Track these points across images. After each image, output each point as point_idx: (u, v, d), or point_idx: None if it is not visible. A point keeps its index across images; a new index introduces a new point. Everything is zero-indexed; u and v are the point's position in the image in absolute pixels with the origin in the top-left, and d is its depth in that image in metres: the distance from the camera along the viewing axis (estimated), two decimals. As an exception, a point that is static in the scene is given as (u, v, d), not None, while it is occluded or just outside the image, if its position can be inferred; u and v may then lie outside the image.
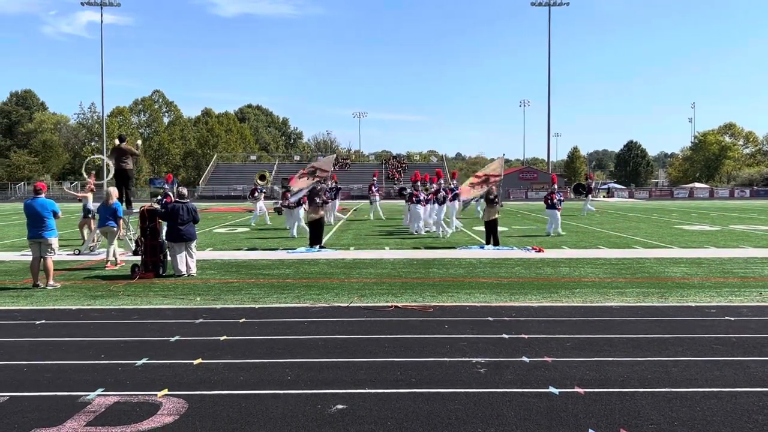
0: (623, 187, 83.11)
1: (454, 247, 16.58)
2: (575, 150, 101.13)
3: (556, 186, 21.64)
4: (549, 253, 15.17)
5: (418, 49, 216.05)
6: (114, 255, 13.30)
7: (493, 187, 17.46)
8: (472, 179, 20.85)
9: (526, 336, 7.11)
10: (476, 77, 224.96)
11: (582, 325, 7.66)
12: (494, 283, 10.90)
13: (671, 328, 7.53)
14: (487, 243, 16.66)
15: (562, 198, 21.21)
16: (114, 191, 13.65)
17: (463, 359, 6.20)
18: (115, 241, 13.45)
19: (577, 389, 5.31)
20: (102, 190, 13.97)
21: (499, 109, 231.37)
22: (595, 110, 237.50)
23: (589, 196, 35.74)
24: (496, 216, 17.14)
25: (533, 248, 15.91)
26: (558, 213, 20.45)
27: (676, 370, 5.86)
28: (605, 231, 22.19)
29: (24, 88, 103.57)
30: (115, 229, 13.33)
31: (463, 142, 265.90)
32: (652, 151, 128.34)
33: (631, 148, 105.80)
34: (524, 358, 6.22)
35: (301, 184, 19.04)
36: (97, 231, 14.59)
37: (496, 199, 17.19)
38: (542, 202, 22.70)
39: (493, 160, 21.40)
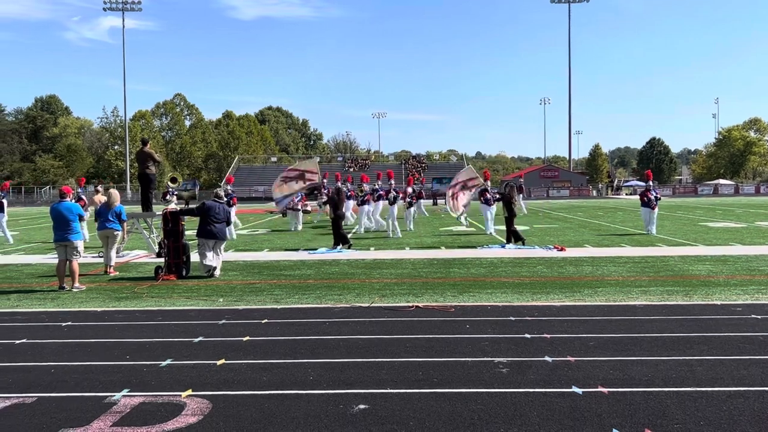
0: (645, 184, 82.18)
1: (474, 247, 16.53)
2: (597, 147, 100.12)
3: (651, 183, 20.49)
4: (571, 252, 15.06)
5: (437, 48, 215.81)
6: (112, 260, 12.94)
7: (513, 186, 17.41)
8: (452, 190, 21.07)
9: (549, 336, 7.07)
10: (496, 75, 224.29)
11: (605, 325, 7.59)
12: (516, 282, 10.85)
13: (696, 326, 7.43)
14: (508, 242, 16.58)
15: (658, 195, 20.17)
16: (116, 194, 13.24)
17: (485, 359, 6.18)
18: (115, 246, 13.14)
19: (600, 389, 5.27)
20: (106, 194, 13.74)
21: (520, 107, 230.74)
22: (617, 107, 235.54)
23: (521, 195, 35.19)
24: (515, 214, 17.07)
25: (555, 247, 15.80)
26: (654, 212, 19.58)
27: (701, 369, 5.79)
28: (629, 229, 21.97)
29: (48, 94, 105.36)
30: (117, 232, 12.99)
31: (482, 141, 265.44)
32: (675, 148, 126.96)
33: (654, 144, 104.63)
34: (547, 358, 6.18)
35: (286, 190, 19.18)
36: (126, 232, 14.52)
37: (513, 200, 17.12)
38: (637, 199, 22.17)
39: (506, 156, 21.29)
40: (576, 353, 6.34)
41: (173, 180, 17.25)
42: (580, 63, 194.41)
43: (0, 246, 18.75)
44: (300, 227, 23.23)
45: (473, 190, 20.52)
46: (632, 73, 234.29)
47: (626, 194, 77.75)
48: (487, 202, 20.04)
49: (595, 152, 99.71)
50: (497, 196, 19.02)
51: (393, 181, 21.52)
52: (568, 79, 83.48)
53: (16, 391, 5.45)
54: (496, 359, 6.16)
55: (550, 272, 11.95)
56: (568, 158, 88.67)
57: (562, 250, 15.39)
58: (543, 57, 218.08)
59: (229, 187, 22.19)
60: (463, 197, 20.83)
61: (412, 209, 22.77)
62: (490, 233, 19.83)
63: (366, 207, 22.10)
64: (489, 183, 19.57)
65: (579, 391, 5.23)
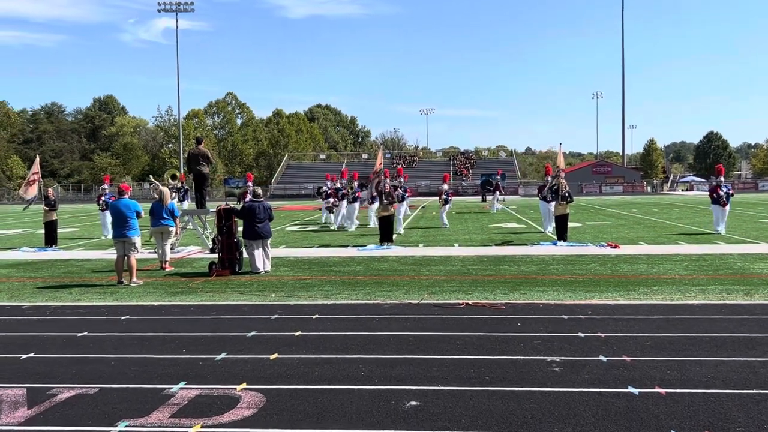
0: (703, 180, 79.72)
1: (525, 244, 16.34)
2: (652, 142, 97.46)
3: (722, 178, 19.15)
4: (625, 249, 14.73)
5: (485, 43, 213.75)
6: (167, 255, 13.26)
7: (563, 182, 16.97)
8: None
9: (603, 335, 6.94)
10: (546, 69, 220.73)
11: (662, 324, 7.41)
12: (568, 280, 10.68)
13: (758, 327, 7.18)
14: (559, 239, 16.33)
15: (730, 191, 18.90)
16: (167, 191, 13.58)
17: (538, 358, 6.11)
18: (169, 242, 13.42)
19: (657, 389, 5.15)
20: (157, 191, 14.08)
21: (571, 101, 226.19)
22: (673, 101, 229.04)
23: (497, 192, 34.25)
24: (567, 211, 16.79)
25: (609, 244, 15.49)
26: (725, 209, 18.44)
27: (764, 371, 5.59)
28: (685, 226, 21.36)
29: (106, 94, 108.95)
30: (171, 228, 13.31)
31: (533, 137, 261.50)
32: (734, 142, 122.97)
33: (712, 139, 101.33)
34: (601, 357, 6.07)
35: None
36: (180, 229, 14.84)
37: (568, 194, 16.75)
38: (707, 196, 20.69)
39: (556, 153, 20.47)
40: (632, 353, 6.20)
41: (173, 177, 17.60)
42: (633, 55, 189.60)
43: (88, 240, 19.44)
44: (337, 226, 22.69)
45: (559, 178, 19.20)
46: (688, 64, 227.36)
47: (682, 190, 75.58)
48: (545, 199, 19.50)
49: (650, 147, 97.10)
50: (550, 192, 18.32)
51: (402, 179, 21.49)
52: (621, 72, 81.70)
53: (80, 382, 5.65)
54: (549, 358, 6.08)
55: (604, 270, 11.72)
56: (621, 153, 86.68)
57: (615, 247, 15.07)
58: (595, 50, 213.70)
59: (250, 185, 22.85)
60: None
61: (447, 206, 22.72)
62: (548, 231, 19.23)
63: (356, 205, 22.76)
64: (549, 178, 18.92)
65: (635, 391, 5.12)
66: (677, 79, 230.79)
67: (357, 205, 22.60)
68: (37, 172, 19.74)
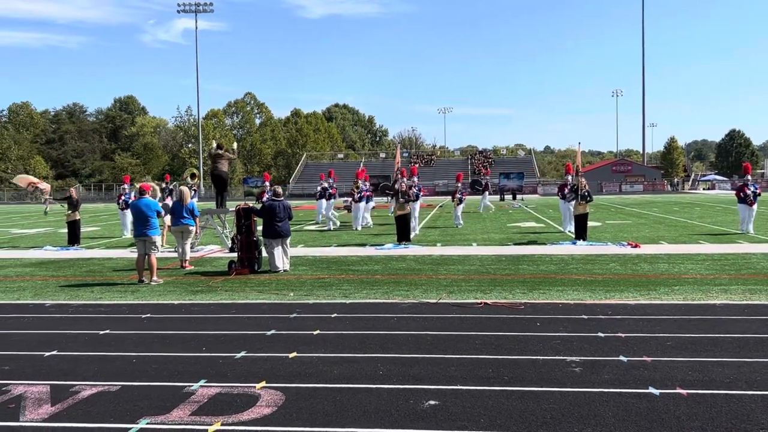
0: (725, 178, 78.70)
1: (544, 243, 16.26)
2: (672, 140, 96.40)
3: (749, 177, 18.69)
4: (646, 249, 14.59)
5: (504, 41, 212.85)
6: (187, 254, 13.34)
7: (582, 180, 16.84)
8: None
9: (623, 335, 6.88)
10: (565, 67, 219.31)
11: (683, 324, 7.33)
12: (588, 279, 10.61)
13: (782, 327, 7.08)
14: (578, 238, 16.22)
15: (758, 191, 18.38)
16: (187, 191, 13.63)
17: (557, 358, 6.08)
18: (189, 241, 13.48)
19: (679, 390, 5.10)
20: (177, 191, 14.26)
21: (590, 99, 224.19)
22: (694, 98, 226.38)
23: (486, 192, 33.86)
24: (587, 211, 16.67)
25: (629, 243, 15.36)
26: (753, 208, 17.97)
27: (788, 372, 5.51)
28: (707, 225, 21.11)
29: (126, 94, 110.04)
30: (191, 227, 13.38)
31: (552, 135, 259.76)
32: (756, 140, 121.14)
33: (734, 137, 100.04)
34: (621, 358, 6.02)
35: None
36: (200, 227, 14.95)
37: (588, 194, 16.62)
38: (733, 195, 19.80)
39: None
40: (652, 353, 6.15)
41: (193, 176, 17.79)
42: (654, 52, 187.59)
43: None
44: (360, 226, 22.50)
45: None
46: (709, 62, 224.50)
47: (703, 189, 74.67)
48: (565, 198, 19.27)
49: (671, 145, 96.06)
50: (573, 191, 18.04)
51: (416, 178, 21.29)
52: (641, 70, 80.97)
53: (102, 379, 5.72)
54: (569, 358, 6.05)
55: (624, 269, 11.62)
56: (641, 152, 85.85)
57: (636, 246, 14.93)
58: (615, 48, 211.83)
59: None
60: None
61: (461, 206, 22.71)
62: (567, 231, 19.01)
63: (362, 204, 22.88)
64: (570, 177, 18.70)
65: (656, 392, 5.08)
66: (698, 77, 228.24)
67: (363, 204, 22.61)
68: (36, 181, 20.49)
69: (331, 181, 24.47)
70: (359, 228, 21.98)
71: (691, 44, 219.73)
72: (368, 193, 23.38)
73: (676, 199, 45.27)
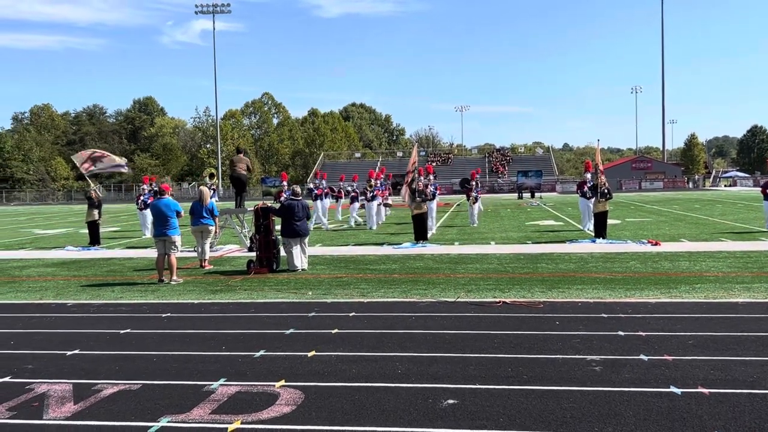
0: (747, 175, 77.68)
1: (563, 241, 16.16)
2: (693, 137, 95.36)
3: None
4: (666, 247, 14.45)
5: (520, 39, 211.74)
6: (206, 254, 13.38)
7: (602, 178, 16.67)
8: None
9: (644, 333, 6.82)
10: (583, 64, 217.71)
11: (705, 323, 7.25)
12: (607, 278, 10.52)
13: (807, 326, 6.97)
14: (597, 236, 16.09)
15: None
16: (207, 191, 13.68)
17: (577, 357, 6.04)
18: (208, 240, 13.54)
19: (701, 389, 5.04)
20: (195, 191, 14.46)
21: (609, 96, 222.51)
22: (714, 93, 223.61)
23: (473, 192, 33.44)
24: (607, 208, 16.53)
25: (649, 241, 15.21)
26: None
27: (813, 371, 5.42)
28: (729, 222, 20.85)
29: (145, 95, 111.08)
30: (211, 227, 13.43)
31: (570, 132, 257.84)
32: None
33: (756, 133, 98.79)
34: (642, 357, 5.97)
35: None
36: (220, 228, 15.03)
37: (607, 191, 16.48)
38: (694, 191, 20.13)
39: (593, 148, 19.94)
40: (673, 352, 6.08)
41: (211, 176, 17.94)
42: (673, 48, 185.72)
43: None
44: (375, 225, 22.60)
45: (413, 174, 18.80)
46: (730, 57, 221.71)
47: (725, 186, 73.77)
48: (585, 195, 18.99)
49: (691, 142, 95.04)
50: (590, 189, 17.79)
51: (432, 176, 21.20)
52: (661, 66, 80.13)
53: (123, 378, 5.78)
54: (589, 357, 6.01)
55: (644, 268, 11.51)
56: (661, 149, 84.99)
57: (656, 244, 14.79)
58: (634, 44, 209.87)
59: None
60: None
61: (477, 204, 22.66)
62: (587, 229, 18.72)
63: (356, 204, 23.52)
64: (589, 175, 18.47)
65: (677, 391, 5.02)
66: (719, 72, 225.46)
67: (376, 203, 22.63)
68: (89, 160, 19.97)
69: (317, 182, 24.45)
70: (374, 227, 21.99)
71: (712, 39, 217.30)
72: (380, 192, 23.36)
73: (697, 196, 44.76)
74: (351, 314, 8.20)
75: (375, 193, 22.55)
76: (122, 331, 7.65)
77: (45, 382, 5.71)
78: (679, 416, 4.52)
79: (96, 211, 18.35)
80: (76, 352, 6.77)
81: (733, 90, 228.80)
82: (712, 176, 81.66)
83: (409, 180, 17.52)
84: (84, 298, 10.12)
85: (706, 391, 5.01)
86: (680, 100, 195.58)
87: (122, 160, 20.40)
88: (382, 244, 16.83)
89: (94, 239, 18.17)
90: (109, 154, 20.81)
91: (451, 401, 4.94)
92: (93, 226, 18.25)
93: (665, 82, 78.64)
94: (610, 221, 17.96)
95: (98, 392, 5.39)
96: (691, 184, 73.58)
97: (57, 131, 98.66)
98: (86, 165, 19.44)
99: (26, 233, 25.22)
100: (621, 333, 6.85)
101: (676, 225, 20.43)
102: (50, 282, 11.89)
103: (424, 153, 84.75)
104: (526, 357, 6.08)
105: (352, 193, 25.05)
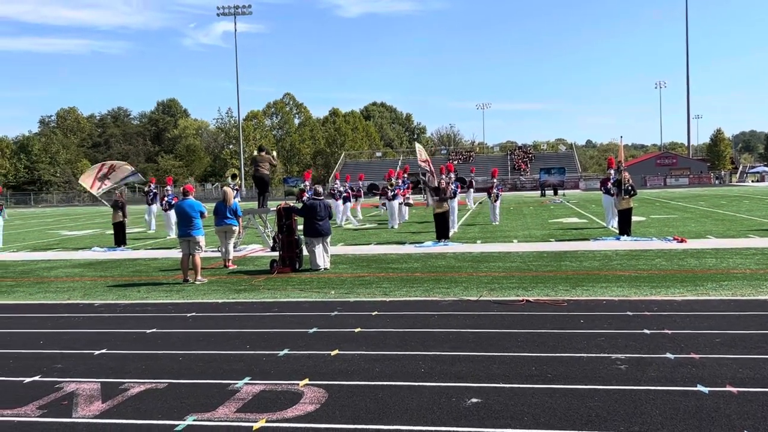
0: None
1: (587, 239, 16.02)
2: (719, 132, 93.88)
3: None
4: (692, 244, 14.25)
5: (542, 35, 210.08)
6: (230, 254, 13.46)
7: (626, 174, 16.45)
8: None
9: (670, 331, 6.74)
10: (606, 59, 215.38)
11: (732, 320, 7.14)
12: (633, 275, 10.41)
13: (838, 324, 6.84)
14: (622, 233, 15.92)
15: None
16: (230, 191, 13.70)
17: (602, 355, 5.99)
18: (232, 240, 13.59)
19: (729, 388, 4.97)
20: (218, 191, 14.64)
21: (633, 92, 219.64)
22: (740, 88, 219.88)
23: (471, 190, 33.06)
24: (631, 205, 16.35)
25: (674, 238, 15.02)
26: None
27: None
28: (756, 219, 20.51)
29: (169, 97, 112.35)
30: (234, 227, 13.45)
31: (593, 129, 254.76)
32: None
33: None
34: (668, 355, 5.90)
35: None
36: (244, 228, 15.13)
37: (632, 188, 16.27)
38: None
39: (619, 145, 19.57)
40: (700, 350, 6.00)
41: (234, 176, 18.10)
42: (697, 42, 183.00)
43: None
44: (397, 224, 22.49)
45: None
46: (756, 50, 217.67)
47: (752, 181, 72.53)
48: (608, 192, 18.70)
49: (717, 137, 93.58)
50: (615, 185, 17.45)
51: (453, 175, 20.99)
52: (685, 61, 78.99)
53: (149, 377, 5.86)
54: (614, 355, 5.95)
55: (670, 265, 11.37)
56: (686, 144, 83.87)
57: (682, 241, 14.60)
58: (658, 39, 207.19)
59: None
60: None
61: (498, 202, 22.52)
62: (611, 226, 18.43)
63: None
64: (612, 172, 18.22)
65: (705, 390, 4.96)
66: (745, 66, 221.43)
67: (396, 202, 22.65)
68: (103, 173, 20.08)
69: (308, 183, 24.31)
70: (395, 226, 21.99)
71: (737, 33, 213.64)
72: (400, 191, 23.36)
73: (723, 192, 44.09)
74: (374, 313, 8.22)
75: (396, 192, 22.57)
76: (148, 331, 7.75)
77: (74, 381, 5.80)
78: (706, 415, 4.46)
79: (120, 212, 18.58)
80: (104, 351, 6.87)
81: (761, 84, 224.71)
82: (738, 172, 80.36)
83: (430, 179, 17.52)
84: (111, 298, 10.27)
85: (734, 389, 4.94)
86: (706, 94, 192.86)
87: (131, 168, 20.48)
88: (403, 243, 16.84)
89: (120, 240, 18.41)
90: (113, 162, 20.90)
91: (474, 400, 4.92)
92: (119, 227, 18.49)
93: (690, 77, 77.45)
94: (634, 218, 17.75)
95: (125, 391, 5.47)
96: (717, 181, 72.48)
97: (83, 134, 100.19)
98: (96, 186, 19.39)
99: (54, 234, 25.65)
100: (647, 331, 6.78)
101: (702, 222, 20.15)
102: (78, 282, 12.08)
103: (445, 151, 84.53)
104: (550, 356, 6.04)
105: (344, 194, 24.69)
